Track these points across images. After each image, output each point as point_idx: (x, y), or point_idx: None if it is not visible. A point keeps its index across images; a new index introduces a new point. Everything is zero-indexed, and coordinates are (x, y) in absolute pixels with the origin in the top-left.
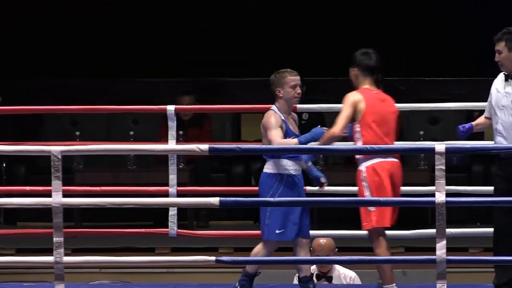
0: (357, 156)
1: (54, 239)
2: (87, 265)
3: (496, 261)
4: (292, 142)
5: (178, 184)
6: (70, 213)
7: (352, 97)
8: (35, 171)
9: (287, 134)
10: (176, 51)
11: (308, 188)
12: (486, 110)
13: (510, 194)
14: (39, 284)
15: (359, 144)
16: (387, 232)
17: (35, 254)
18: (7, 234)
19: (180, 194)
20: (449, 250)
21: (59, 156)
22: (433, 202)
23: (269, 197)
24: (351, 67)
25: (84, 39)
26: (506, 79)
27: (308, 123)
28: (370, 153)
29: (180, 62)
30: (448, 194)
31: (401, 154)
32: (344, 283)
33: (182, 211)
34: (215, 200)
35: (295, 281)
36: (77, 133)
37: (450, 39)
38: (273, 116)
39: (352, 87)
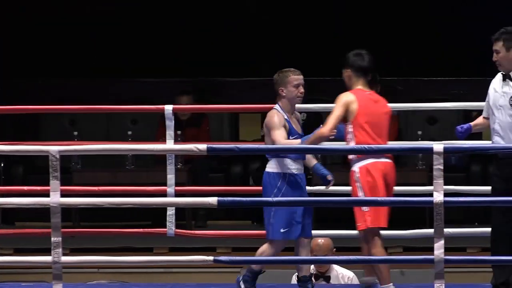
0: (350, 157)
1: (52, 239)
2: (85, 265)
3: (494, 261)
4: (295, 143)
5: (176, 184)
6: (68, 213)
7: (345, 97)
8: (33, 171)
9: (290, 133)
10: (175, 51)
11: (308, 188)
12: (484, 110)
13: (507, 194)
14: (37, 284)
15: (352, 144)
16: (385, 232)
17: (33, 254)
18: (5, 234)
19: (178, 194)
20: (447, 250)
21: (57, 156)
22: (431, 202)
23: (273, 196)
24: (344, 68)
25: (83, 39)
26: (504, 79)
27: (306, 123)
28: (368, 153)
29: (179, 62)
30: (446, 194)
31: (400, 154)
32: (342, 283)
33: (180, 211)
34: (213, 200)
35: (293, 281)
36: (75, 133)
37: (450, 39)
38: (276, 116)
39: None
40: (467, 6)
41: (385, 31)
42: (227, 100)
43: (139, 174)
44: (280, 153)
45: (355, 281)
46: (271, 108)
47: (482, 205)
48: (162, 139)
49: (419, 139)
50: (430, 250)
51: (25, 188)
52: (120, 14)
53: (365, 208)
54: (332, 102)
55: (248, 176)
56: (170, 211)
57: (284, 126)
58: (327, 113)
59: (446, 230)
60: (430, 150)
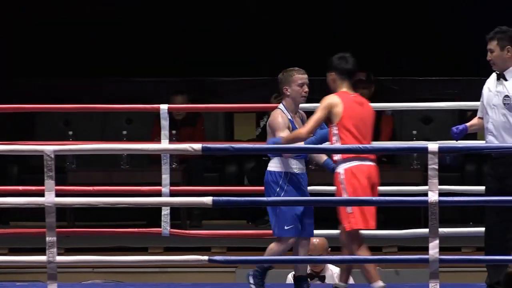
0: (335, 158)
1: (47, 238)
2: (80, 265)
3: (489, 261)
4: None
5: (171, 184)
6: (63, 212)
7: (329, 100)
8: (28, 171)
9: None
10: (172, 51)
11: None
12: (478, 110)
13: (501, 193)
14: (32, 284)
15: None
16: (380, 231)
17: (28, 254)
18: (0, 234)
19: (173, 194)
20: (442, 249)
21: (52, 156)
22: (426, 202)
23: (275, 195)
24: (328, 72)
25: (79, 38)
26: (498, 78)
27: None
28: (363, 153)
29: (174, 61)
30: (441, 194)
31: (394, 153)
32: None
33: (175, 210)
34: (208, 199)
35: (289, 280)
36: (70, 132)
37: (450, 39)
38: (280, 116)
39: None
40: (467, 6)
41: (385, 31)
42: (222, 100)
43: (134, 173)
44: (278, 153)
45: (350, 280)
46: (265, 108)
47: (477, 204)
48: (157, 139)
49: (414, 138)
50: (425, 249)
51: (20, 187)
52: (116, 14)
53: (349, 210)
54: None
55: (243, 175)
56: (165, 211)
57: (288, 127)
58: None
59: (441, 229)
60: (425, 150)
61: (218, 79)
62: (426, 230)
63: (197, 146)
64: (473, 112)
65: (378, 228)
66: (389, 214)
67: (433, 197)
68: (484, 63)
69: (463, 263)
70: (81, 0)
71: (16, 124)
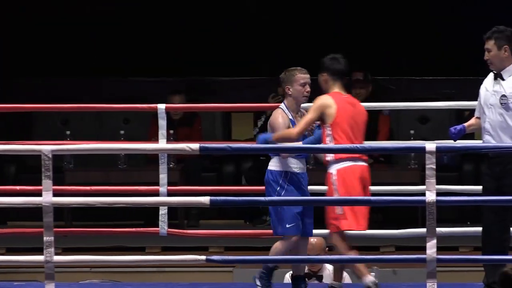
0: (328, 158)
1: (45, 238)
2: (77, 265)
3: (486, 260)
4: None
5: (169, 184)
6: (60, 212)
7: (322, 100)
8: (25, 171)
9: None
10: (174, 52)
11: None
12: (476, 110)
13: (498, 193)
14: (30, 283)
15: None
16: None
17: (25, 253)
18: None
19: (170, 194)
20: (440, 249)
21: (50, 156)
22: (424, 201)
23: (276, 194)
24: (320, 73)
25: (75, 38)
26: (495, 78)
27: None
28: (360, 153)
29: (177, 62)
30: (438, 193)
31: (392, 153)
32: None
33: (173, 210)
34: (205, 199)
35: (286, 280)
36: (68, 132)
37: (450, 39)
38: (281, 116)
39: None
40: (467, 6)
41: (385, 31)
42: (220, 99)
43: (131, 173)
44: (275, 152)
45: (347, 280)
46: (263, 107)
47: (475, 204)
48: (155, 139)
49: (411, 138)
50: (423, 249)
51: (18, 187)
52: (113, 14)
53: (340, 211)
54: None
55: (240, 175)
56: (163, 211)
57: (288, 127)
58: None
59: (438, 229)
60: (422, 150)
61: (216, 79)
62: (424, 229)
63: (195, 145)
64: (471, 112)
65: (376, 228)
66: (387, 214)
67: (430, 196)
68: (483, 63)
69: (461, 262)
70: (81, 0)
71: (13, 124)
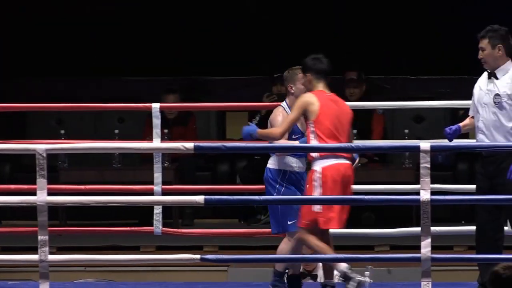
0: (313, 155)
1: (39, 237)
2: (72, 264)
3: (480, 259)
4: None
5: (163, 183)
6: (55, 211)
7: (304, 98)
8: (20, 170)
9: (293, 132)
10: (174, 52)
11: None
12: (470, 109)
13: (491, 192)
14: (24, 283)
15: (314, 143)
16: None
17: (20, 253)
18: None
19: (165, 193)
20: (434, 248)
21: (44, 155)
22: (418, 200)
23: (276, 192)
24: (303, 73)
25: (77, 38)
26: (489, 77)
27: None
28: (355, 152)
29: (177, 62)
30: (433, 192)
31: (387, 152)
32: None
33: (167, 209)
34: (200, 198)
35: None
36: (62, 131)
37: (450, 39)
38: (281, 114)
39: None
40: (467, 6)
41: (385, 31)
42: (214, 98)
43: (126, 172)
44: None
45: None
46: (257, 107)
47: (469, 203)
48: (149, 138)
49: (406, 137)
50: (417, 248)
51: (12, 186)
52: (110, 14)
53: (317, 209)
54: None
55: (235, 174)
56: (157, 210)
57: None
58: None
59: (433, 228)
60: (417, 149)
61: (211, 78)
62: (418, 228)
63: (189, 145)
64: (465, 111)
65: (370, 226)
66: (381, 213)
67: (425, 195)
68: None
69: (455, 261)
70: (81, 0)
71: (8, 123)
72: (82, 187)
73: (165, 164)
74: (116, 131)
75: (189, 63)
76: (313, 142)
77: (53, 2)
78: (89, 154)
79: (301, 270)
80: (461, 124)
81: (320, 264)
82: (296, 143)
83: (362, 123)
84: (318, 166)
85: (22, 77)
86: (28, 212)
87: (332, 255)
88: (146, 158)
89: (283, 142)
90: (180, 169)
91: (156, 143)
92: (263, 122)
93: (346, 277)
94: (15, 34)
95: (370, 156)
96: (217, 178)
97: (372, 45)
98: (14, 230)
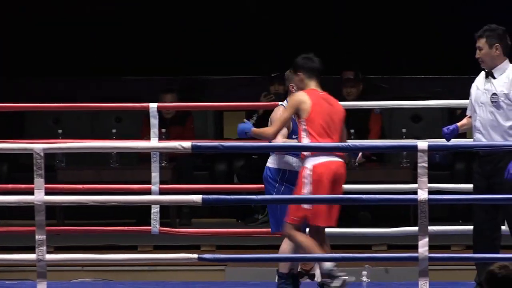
0: (304, 153)
1: (37, 237)
2: (69, 263)
3: (478, 259)
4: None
5: (161, 182)
6: (52, 211)
7: (296, 97)
8: (17, 169)
9: (293, 132)
10: (174, 52)
11: None
12: (468, 108)
13: (488, 191)
14: (22, 282)
15: (305, 141)
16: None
17: (17, 252)
18: None
19: (162, 192)
20: (431, 247)
21: (42, 154)
22: (416, 200)
23: (275, 192)
24: (294, 73)
25: (76, 38)
26: (487, 76)
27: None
28: (352, 151)
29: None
30: (430, 192)
31: (384, 152)
32: None
33: (165, 209)
34: (197, 197)
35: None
36: (60, 131)
37: (450, 39)
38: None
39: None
40: (467, 6)
41: (385, 31)
42: (212, 98)
43: (123, 172)
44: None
45: None
46: (255, 106)
47: (467, 203)
48: (147, 137)
49: (404, 137)
50: (415, 248)
51: (9, 186)
52: (109, 14)
53: (307, 205)
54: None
55: (232, 174)
56: (155, 209)
57: (288, 125)
58: None
59: (430, 228)
60: (414, 148)
61: (210, 78)
62: (416, 228)
63: (187, 144)
64: (463, 110)
65: (367, 226)
66: (379, 213)
67: (422, 195)
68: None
69: (453, 261)
70: (81, 0)
71: (6, 123)
72: (80, 186)
73: (163, 164)
74: (114, 130)
75: (189, 63)
76: (305, 140)
77: (53, 2)
78: (86, 153)
79: (298, 270)
80: (458, 123)
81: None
82: (294, 141)
83: (360, 123)
84: (309, 163)
85: (22, 77)
86: (25, 212)
87: (332, 255)
88: (143, 157)
89: (281, 141)
90: (178, 169)
91: (154, 142)
92: (260, 122)
93: (331, 276)
94: (15, 34)
95: (367, 155)
96: (215, 177)
97: (372, 45)
98: (12, 229)
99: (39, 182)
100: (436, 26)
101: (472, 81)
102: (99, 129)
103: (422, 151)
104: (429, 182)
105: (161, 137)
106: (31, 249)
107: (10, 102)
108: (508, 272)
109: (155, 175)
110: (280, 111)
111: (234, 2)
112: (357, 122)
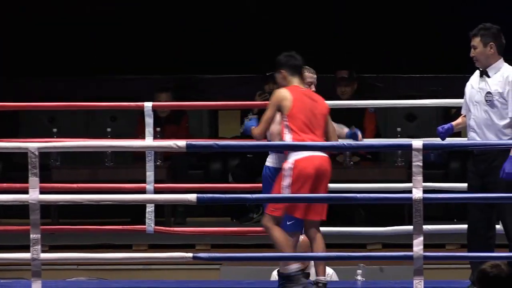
0: None
1: (31, 236)
2: (64, 262)
3: (472, 258)
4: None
5: (156, 181)
6: (47, 210)
7: (277, 94)
8: (12, 168)
9: None
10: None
11: None
12: (462, 108)
13: (483, 190)
14: (16, 281)
15: (288, 137)
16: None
17: (12, 251)
18: None
19: (157, 191)
20: (426, 246)
21: (36, 153)
22: (410, 199)
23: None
24: (277, 71)
25: (75, 38)
26: (481, 75)
27: None
28: (347, 150)
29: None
30: (425, 191)
31: (379, 150)
32: None
33: (160, 207)
34: (192, 196)
35: (273, 278)
36: (55, 129)
37: (450, 39)
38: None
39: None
40: (467, 6)
41: (385, 31)
42: (207, 97)
43: (118, 171)
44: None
45: (335, 277)
46: (250, 105)
47: (461, 202)
48: (142, 136)
49: (398, 136)
50: (409, 246)
51: (4, 185)
52: (110, 14)
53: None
54: (329, 99)
55: (227, 173)
56: (149, 208)
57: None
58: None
59: (425, 226)
60: (409, 147)
61: (207, 77)
62: (411, 227)
63: (182, 143)
64: (457, 110)
65: (362, 225)
66: (374, 211)
67: (417, 194)
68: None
69: (447, 260)
70: (81, 0)
71: (0, 122)
72: (75, 185)
73: (158, 163)
74: (109, 129)
75: (184, 62)
76: (287, 136)
77: (53, 2)
78: (81, 152)
79: None
80: (453, 123)
81: (312, 262)
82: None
83: (354, 122)
84: (291, 158)
85: (22, 77)
86: (20, 211)
87: (327, 254)
88: (138, 156)
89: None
90: (173, 168)
91: (149, 141)
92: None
93: (290, 279)
94: (15, 34)
95: (362, 154)
96: (210, 176)
97: (366, 44)
98: (6, 228)
99: (33, 181)
100: (435, 26)
101: (467, 80)
102: (94, 128)
103: (417, 150)
104: (424, 181)
105: (156, 136)
106: (26, 248)
107: (8, 102)
108: (499, 271)
109: (150, 174)
110: None
111: (234, 2)
112: (351, 121)
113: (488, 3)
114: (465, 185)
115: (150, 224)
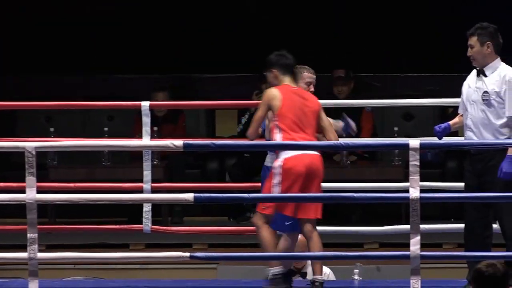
0: None
1: (28, 235)
2: (61, 261)
3: (469, 257)
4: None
5: (153, 180)
6: (44, 209)
7: (267, 94)
8: (9, 167)
9: None
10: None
11: None
12: (459, 107)
13: (479, 190)
14: (13, 281)
15: (278, 136)
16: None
17: (9, 250)
18: None
19: (154, 190)
20: (423, 246)
21: (33, 152)
22: (407, 198)
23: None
24: (268, 70)
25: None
26: (478, 74)
27: None
28: (343, 150)
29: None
30: (422, 190)
31: (376, 150)
32: None
33: (157, 207)
34: (189, 196)
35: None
36: (52, 129)
37: (450, 39)
38: None
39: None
40: (467, 6)
41: (385, 31)
42: (204, 96)
43: (115, 170)
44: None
45: (332, 277)
46: (247, 105)
47: (458, 201)
48: (139, 136)
49: (396, 135)
50: (406, 246)
51: (1, 184)
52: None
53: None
54: (329, 99)
55: (224, 172)
56: (147, 207)
57: None
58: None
59: (422, 226)
60: (406, 146)
61: (194, 76)
62: (408, 226)
63: (179, 142)
64: (455, 109)
65: (359, 224)
66: (371, 211)
67: (414, 193)
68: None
69: (444, 259)
70: (81, 0)
71: None
72: (72, 185)
73: (155, 162)
74: (106, 129)
75: (181, 61)
76: (277, 136)
77: (53, 2)
78: (78, 152)
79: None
80: (450, 122)
81: (309, 261)
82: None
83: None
84: (281, 156)
85: (22, 76)
86: (17, 210)
87: (324, 253)
88: (135, 156)
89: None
90: (170, 167)
91: (146, 141)
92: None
93: (271, 283)
94: (14, 33)
95: (359, 153)
96: (207, 176)
97: (363, 43)
98: (3, 228)
99: (30, 180)
100: (435, 26)
101: (464, 80)
102: (91, 128)
103: (414, 149)
104: (421, 180)
105: (153, 136)
106: (23, 248)
107: (6, 101)
108: (495, 270)
109: (147, 174)
110: None
111: (234, 2)
112: None
113: (488, 3)
114: (462, 184)
115: (147, 224)
